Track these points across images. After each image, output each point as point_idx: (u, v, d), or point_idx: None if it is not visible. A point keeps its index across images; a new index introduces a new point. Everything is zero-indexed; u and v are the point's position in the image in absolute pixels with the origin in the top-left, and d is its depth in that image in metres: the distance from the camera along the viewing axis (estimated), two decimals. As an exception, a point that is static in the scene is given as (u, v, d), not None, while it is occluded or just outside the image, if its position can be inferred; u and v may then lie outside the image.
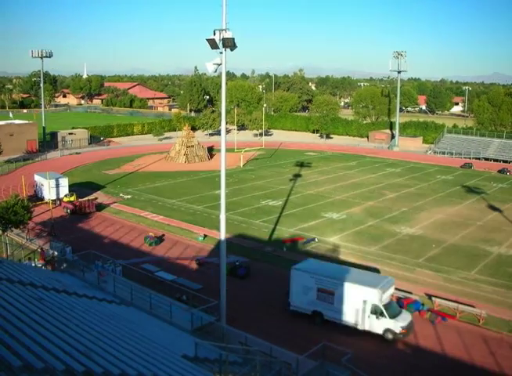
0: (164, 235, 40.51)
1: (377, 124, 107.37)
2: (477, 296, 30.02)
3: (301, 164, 73.72)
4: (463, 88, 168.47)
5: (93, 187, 56.93)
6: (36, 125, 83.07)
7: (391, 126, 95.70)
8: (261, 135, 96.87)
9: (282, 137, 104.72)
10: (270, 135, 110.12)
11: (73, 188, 52.59)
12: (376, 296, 24.77)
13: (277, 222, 44.66)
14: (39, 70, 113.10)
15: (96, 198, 51.28)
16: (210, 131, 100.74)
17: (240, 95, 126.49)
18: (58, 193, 49.25)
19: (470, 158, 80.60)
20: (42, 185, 49.88)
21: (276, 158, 79.37)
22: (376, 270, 33.83)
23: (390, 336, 24.56)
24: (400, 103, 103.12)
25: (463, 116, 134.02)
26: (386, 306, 24.98)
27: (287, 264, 34.97)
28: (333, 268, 29.03)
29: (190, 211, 48.00)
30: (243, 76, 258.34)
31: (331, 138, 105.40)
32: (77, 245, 37.41)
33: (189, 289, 27.45)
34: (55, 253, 32.75)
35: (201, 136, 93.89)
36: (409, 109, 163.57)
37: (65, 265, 30.20)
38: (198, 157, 75.05)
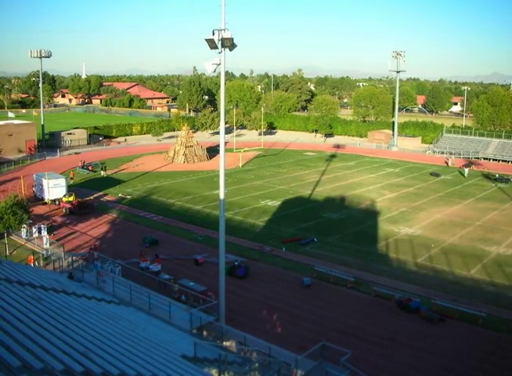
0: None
1: (376, 124, 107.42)
2: (476, 296, 30.05)
3: (301, 164, 73.93)
4: (462, 88, 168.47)
5: (92, 187, 56.89)
6: (35, 125, 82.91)
7: (393, 126, 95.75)
8: (260, 134, 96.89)
9: (283, 137, 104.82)
10: (274, 133, 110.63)
11: (72, 188, 52.63)
12: None
13: (276, 222, 44.67)
14: (38, 70, 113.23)
15: (95, 198, 51.33)
16: (211, 132, 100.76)
17: (239, 95, 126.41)
18: (57, 193, 49.14)
19: (469, 158, 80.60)
20: (41, 185, 49.85)
21: (275, 158, 79.40)
22: (375, 269, 33.90)
23: None
24: (399, 103, 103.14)
25: (462, 115, 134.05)
26: None
27: (286, 264, 35.12)
28: None
29: (189, 211, 47.99)
30: (242, 76, 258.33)
31: (332, 136, 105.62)
32: (76, 245, 37.50)
33: (193, 291, 27.48)
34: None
35: (204, 136, 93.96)
36: (407, 108, 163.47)
37: (63, 266, 30.20)
38: (197, 157, 75.01)
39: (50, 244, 36.32)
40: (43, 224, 39.67)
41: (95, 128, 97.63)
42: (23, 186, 51.60)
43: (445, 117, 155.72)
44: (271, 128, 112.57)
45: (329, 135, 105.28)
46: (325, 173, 67.92)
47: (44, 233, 37.98)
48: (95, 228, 42.40)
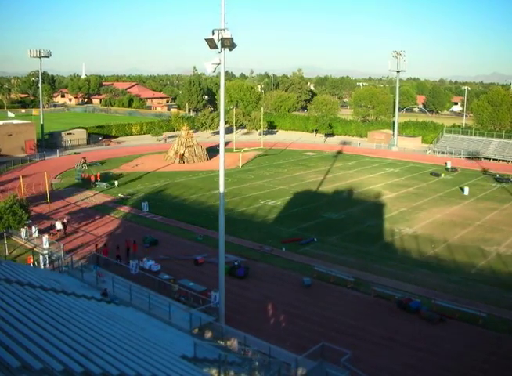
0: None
1: (376, 124, 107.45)
2: (476, 296, 30.03)
3: (301, 164, 73.92)
4: (463, 87, 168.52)
5: (91, 187, 56.81)
6: (34, 125, 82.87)
7: (393, 126, 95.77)
8: (260, 134, 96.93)
9: (283, 137, 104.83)
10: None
11: (72, 188, 52.61)
12: None
13: (276, 222, 44.64)
14: (37, 70, 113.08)
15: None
16: (211, 132, 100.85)
17: (239, 95, 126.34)
18: None
19: (469, 158, 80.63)
20: None
21: (275, 158, 79.36)
22: (375, 269, 33.90)
23: None
24: (399, 102, 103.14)
25: (462, 114, 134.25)
26: None
27: (286, 264, 35.09)
28: None
29: (189, 211, 47.95)
30: (242, 76, 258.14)
31: (333, 136, 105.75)
32: (75, 245, 37.46)
33: (192, 291, 27.47)
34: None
35: (204, 136, 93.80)
36: (407, 108, 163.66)
37: (64, 266, 30.16)
38: (197, 157, 74.97)
39: (50, 244, 36.29)
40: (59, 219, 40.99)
41: (99, 126, 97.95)
42: (22, 186, 51.54)
43: (445, 116, 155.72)
44: (271, 128, 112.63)
45: (329, 134, 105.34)
46: (325, 173, 67.87)
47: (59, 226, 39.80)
48: (95, 228, 42.36)
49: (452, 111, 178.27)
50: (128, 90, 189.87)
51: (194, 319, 22.31)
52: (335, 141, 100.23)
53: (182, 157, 73.09)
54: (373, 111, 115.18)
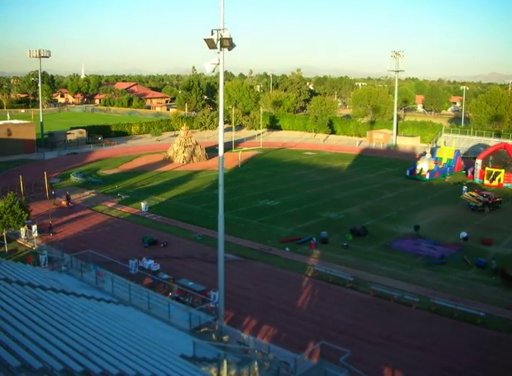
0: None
1: (376, 124, 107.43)
2: (475, 295, 30.08)
3: (300, 164, 73.98)
4: (461, 87, 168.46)
5: (90, 187, 56.84)
6: (33, 125, 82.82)
7: (393, 125, 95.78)
8: (259, 134, 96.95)
9: (282, 136, 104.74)
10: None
11: (70, 188, 52.59)
12: None
13: (275, 222, 44.67)
14: (37, 70, 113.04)
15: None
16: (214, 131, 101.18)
17: (238, 94, 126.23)
18: None
19: (468, 157, 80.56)
20: None
21: (274, 158, 79.35)
22: (374, 269, 33.96)
23: None
24: (398, 102, 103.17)
25: (460, 112, 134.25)
26: None
27: (285, 264, 35.13)
28: None
29: (188, 211, 47.99)
30: (241, 76, 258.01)
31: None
32: (75, 245, 37.44)
33: (192, 290, 27.50)
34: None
35: (204, 136, 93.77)
36: (407, 108, 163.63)
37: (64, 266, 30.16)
38: (196, 156, 75.01)
39: (49, 244, 36.31)
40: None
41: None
42: (22, 186, 51.54)
43: (445, 116, 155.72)
44: (273, 128, 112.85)
45: (332, 133, 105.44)
46: (324, 173, 67.89)
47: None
48: (94, 228, 42.40)
49: (454, 110, 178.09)
50: (129, 89, 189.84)
51: (193, 319, 22.32)
52: (336, 141, 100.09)
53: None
54: (372, 111, 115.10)
